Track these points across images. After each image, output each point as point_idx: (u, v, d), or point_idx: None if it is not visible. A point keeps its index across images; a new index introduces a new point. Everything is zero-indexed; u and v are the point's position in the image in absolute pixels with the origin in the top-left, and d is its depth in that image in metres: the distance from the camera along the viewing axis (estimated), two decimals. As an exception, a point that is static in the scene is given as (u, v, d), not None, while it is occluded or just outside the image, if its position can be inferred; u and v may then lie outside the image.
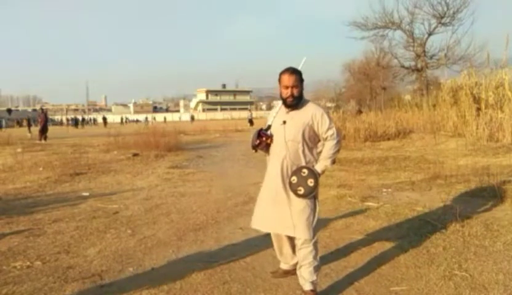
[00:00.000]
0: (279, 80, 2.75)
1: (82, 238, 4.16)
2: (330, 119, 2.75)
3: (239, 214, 4.97)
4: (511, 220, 4.21)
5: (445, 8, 20.24)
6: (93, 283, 3.07)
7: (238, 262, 3.43)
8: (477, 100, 12.29)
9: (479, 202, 5.02)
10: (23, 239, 4.14)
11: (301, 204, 2.66)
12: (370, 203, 5.18)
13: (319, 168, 2.72)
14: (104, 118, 57.09)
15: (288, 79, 2.69)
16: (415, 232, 4.02)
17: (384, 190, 6.00)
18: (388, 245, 3.70)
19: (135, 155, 11.36)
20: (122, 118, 63.38)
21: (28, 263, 3.49)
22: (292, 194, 2.67)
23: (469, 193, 5.47)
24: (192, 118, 60.47)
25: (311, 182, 2.62)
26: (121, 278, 3.15)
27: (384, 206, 5.00)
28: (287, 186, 2.69)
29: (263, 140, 2.78)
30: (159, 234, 4.26)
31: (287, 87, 2.69)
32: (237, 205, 5.45)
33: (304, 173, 2.65)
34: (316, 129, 2.72)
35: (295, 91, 2.69)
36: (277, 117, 2.80)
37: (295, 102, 2.72)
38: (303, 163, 2.71)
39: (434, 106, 15.76)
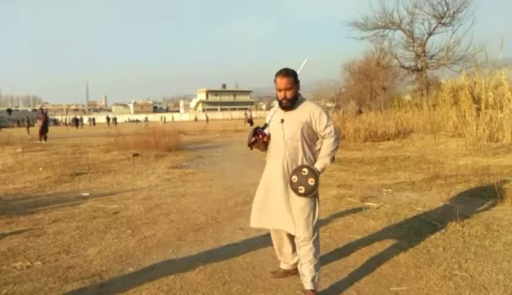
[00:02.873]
0: (274, 82, 2.75)
1: (82, 238, 4.16)
2: (328, 117, 2.75)
3: (239, 214, 4.97)
4: (511, 220, 4.21)
5: (445, 8, 20.22)
6: (93, 283, 3.07)
7: (238, 262, 3.43)
8: (477, 100, 12.30)
9: (479, 202, 5.02)
10: (23, 240, 4.14)
11: (301, 203, 2.66)
12: (370, 203, 5.18)
13: (318, 166, 2.72)
14: (108, 118, 57.25)
15: (280, 82, 2.69)
16: (415, 232, 4.02)
17: (384, 190, 6.00)
18: (388, 245, 3.70)
19: (135, 155, 11.36)
20: (108, 118, 58.74)
21: (28, 263, 3.49)
22: (292, 193, 2.67)
23: (469, 193, 5.47)
24: (207, 118, 57.17)
25: (311, 181, 2.62)
26: (121, 278, 3.15)
27: (384, 206, 5.00)
28: (288, 184, 2.69)
29: (259, 138, 2.78)
30: (159, 234, 4.26)
31: (280, 90, 2.70)
32: (237, 205, 5.45)
33: (304, 172, 2.65)
34: (314, 127, 2.73)
35: (288, 94, 2.69)
36: (275, 116, 2.81)
37: (290, 105, 2.72)
38: (303, 161, 2.71)
39: (434, 106, 15.77)
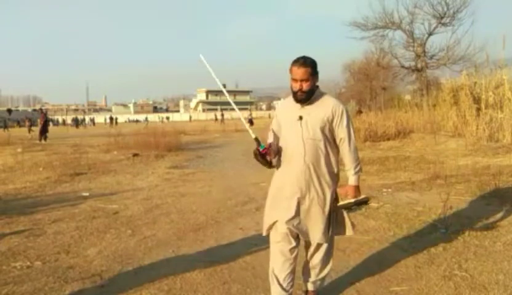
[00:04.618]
0: (290, 70, 2.47)
1: (82, 238, 4.16)
2: (350, 118, 2.52)
3: (239, 214, 4.97)
4: (511, 220, 4.21)
5: (445, 8, 20.20)
6: (93, 283, 3.07)
7: (238, 262, 3.43)
8: (477, 100, 12.29)
9: (479, 202, 5.02)
10: (23, 240, 4.14)
11: (320, 209, 2.46)
12: (370, 203, 5.17)
13: (353, 181, 2.56)
14: (111, 118, 56.02)
15: (297, 72, 2.41)
16: (414, 231, 4.02)
17: (384, 190, 6.00)
18: (388, 245, 3.70)
19: (135, 155, 11.36)
20: (111, 118, 55.27)
21: (28, 263, 3.49)
22: (308, 199, 2.44)
23: (469, 193, 5.47)
24: (214, 117, 51.74)
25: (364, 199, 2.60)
26: (121, 278, 3.15)
27: (384, 206, 5.00)
28: (306, 191, 2.43)
29: (267, 156, 2.44)
30: (159, 234, 4.26)
31: (296, 80, 2.42)
32: (237, 205, 5.45)
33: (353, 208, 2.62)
34: (334, 126, 2.47)
35: (305, 86, 2.40)
36: (289, 113, 2.50)
37: (305, 98, 2.44)
38: (327, 166, 2.47)
39: (434, 106, 15.77)
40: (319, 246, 2.56)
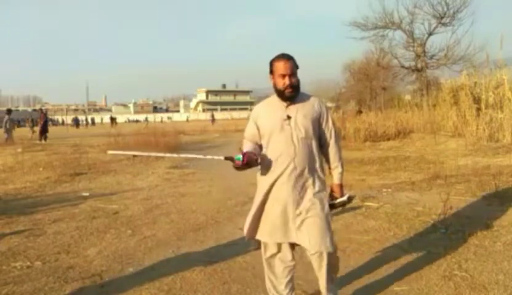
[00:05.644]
0: (272, 69, 2.35)
1: (82, 238, 4.17)
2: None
3: (239, 214, 4.96)
4: (511, 221, 4.21)
5: (445, 8, 20.20)
6: (93, 283, 3.08)
7: (238, 262, 3.43)
8: (477, 100, 12.29)
9: (479, 202, 5.02)
10: (23, 240, 4.14)
11: (317, 214, 2.28)
12: (370, 203, 5.17)
13: (339, 179, 2.51)
14: (112, 118, 55.28)
15: (284, 66, 2.28)
16: (415, 232, 4.02)
17: (384, 190, 6.00)
18: (388, 245, 3.70)
19: (135, 155, 11.35)
20: (112, 118, 52.75)
21: (28, 263, 3.49)
22: (306, 203, 2.29)
23: (469, 193, 5.46)
24: (213, 118, 47.27)
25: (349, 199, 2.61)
26: (121, 278, 3.15)
27: (384, 206, 5.00)
28: (302, 194, 2.30)
29: (248, 160, 2.21)
30: (159, 234, 4.26)
31: (284, 76, 2.28)
32: (237, 205, 5.45)
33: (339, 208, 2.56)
34: (321, 123, 2.40)
35: (294, 80, 2.29)
36: (272, 114, 2.35)
37: (295, 94, 2.32)
38: (317, 163, 2.37)
39: (434, 106, 15.78)
40: (321, 255, 2.28)
